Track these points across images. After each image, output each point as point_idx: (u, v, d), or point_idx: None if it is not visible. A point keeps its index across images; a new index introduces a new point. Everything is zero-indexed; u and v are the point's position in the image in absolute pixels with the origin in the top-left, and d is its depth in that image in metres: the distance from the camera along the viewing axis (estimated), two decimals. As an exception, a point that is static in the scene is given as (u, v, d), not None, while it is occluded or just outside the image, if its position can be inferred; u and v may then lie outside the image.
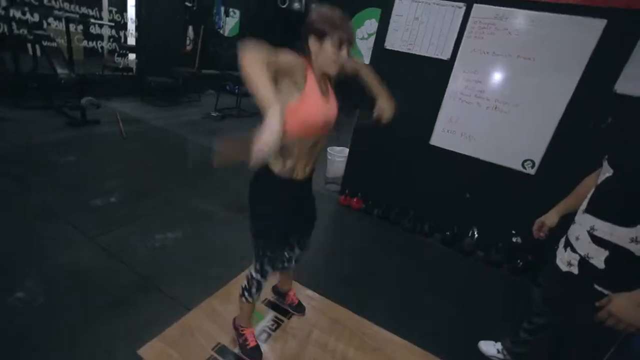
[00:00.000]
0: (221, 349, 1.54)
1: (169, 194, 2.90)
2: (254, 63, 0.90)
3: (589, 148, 1.70)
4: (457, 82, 2.65)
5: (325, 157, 3.57)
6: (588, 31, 2.18)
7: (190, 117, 5.26)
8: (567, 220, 1.34)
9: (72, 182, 2.77)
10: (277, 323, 1.76)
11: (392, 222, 3.07)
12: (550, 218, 1.47)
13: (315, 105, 1.15)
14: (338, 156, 3.50)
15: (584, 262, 1.15)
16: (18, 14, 4.26)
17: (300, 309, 1.85)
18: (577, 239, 1.19)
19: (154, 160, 3.59)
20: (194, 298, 1.81)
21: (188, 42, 6.92)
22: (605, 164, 1.16)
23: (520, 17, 2.35)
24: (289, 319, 1.80)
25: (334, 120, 1.26)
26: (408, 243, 2.85)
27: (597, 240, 1.11)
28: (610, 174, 1.12)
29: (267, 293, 1.91)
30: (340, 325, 1.81)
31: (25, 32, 4.25)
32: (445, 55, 2.63)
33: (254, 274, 1.41)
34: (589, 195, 1.20)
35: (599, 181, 1.17)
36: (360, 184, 3.25)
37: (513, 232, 2.69)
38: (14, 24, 4.20)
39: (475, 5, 2.46)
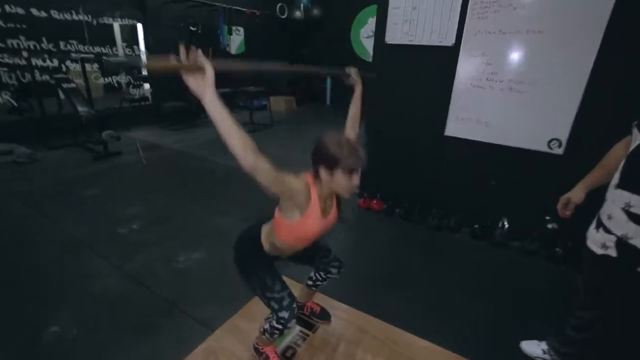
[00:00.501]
0: (247, 369, 1.51)
1: (189, 214, 2.95)
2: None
3: (620, 117, 1.54)
4: (465, 68, 2.53)
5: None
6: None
7: (207, 137, 5.37)
8: (598, 195, 1.21)
9: (98, 214, 2.87)
10: (303, 338, 1.71)
11: (416, 221, 2.96)
12: (577, 194, 1.34)
13: (314, 225, 1.19)
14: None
15: (622, 243, 1.03)
16: (39, 62, 4.54)
17: (325, 316, 1.79)
18: (609, 217, 1.07)
19: (173, 183, 3.68)
20: (218, 318, 1.79)
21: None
22: (635, 131, 1.04)
23: (525, -10, 2.21)
24: (314, 332, 1.75)
25: (330, 228, 1.29)
26: (435, 241, 2.73)
27: (636, 218, 0.98)
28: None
29: (290, 307, 1.86)
30: (369, 335, 1.73)
31: (47, 77, 4.52)
32: (449, 42, 2.52)
33: (273, 323, 1.32)
34: (619, 168, 1.08)
35: (630, 150, 1.04)
36: (378, 184, 3.16)
37: (547, 218, 2.50)
38: (36, 71, 4.48)
39: (474, -15, 2.35)
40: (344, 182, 1.10)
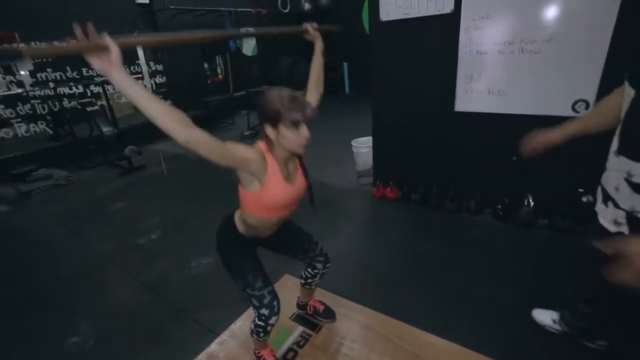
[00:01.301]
0: (247, 374, 1.50)
1: (205, 221, 3.00)
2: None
3: None
4: (468, 34, 2.30)
5: (351, 151, 3.40)
6: None
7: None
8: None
9: (121, 227, 3.03)
10: (305, 339, 1.66)
11: (433, 206, 2.78)
12: (555, 136, 1.19)
13: (277, 191, 1.13)
14: (363, 147, 3.30)
15: (632, 218, 0.86)
16: (66, 90, 4.88)
17: (329, 314, 1.73)
18: (617, 189, 0.89)
19: (192, 191, 3.78)
20: (224, 322, 1.80)
21: (220, 71, 7.36)
22: (627, 84, 0.85)
23: None
24: (317, 332, 1.69)
25: (301, 196, 1.23)
26: (454, 226, 2.55)
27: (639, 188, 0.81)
28: (633, 96, 0.82)
29: (293, 307, 1.82)
30: (373, 332, 1.65)
31: (75, 103, 4.85)
32: (448, 8, 2.31)
33: (257, 321, 1.31)
34: (617, 131, 0.89)
35: (624, 111, 0.86)
36: (391, 171, 3.01)
37: (580, 190, 2.23)
38: (64, 99, 4.82)
39: (468, -60, 2.11)
40: (291, 136, 1.05)
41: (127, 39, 0.86)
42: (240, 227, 1.28)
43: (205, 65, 6.95)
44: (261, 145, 1.12)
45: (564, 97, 2.12)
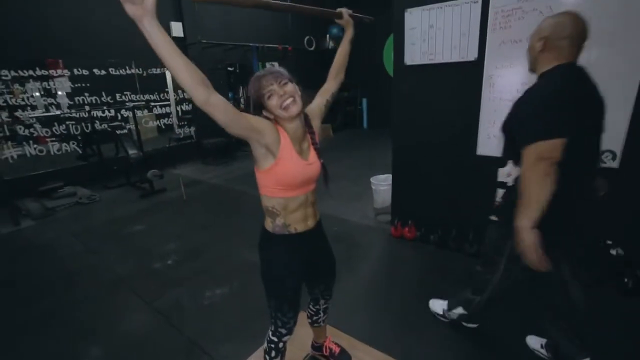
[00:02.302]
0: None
1: (221, 249, 3.02)
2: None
3: None
4: (492, 81, 2.35)
5: (369, 187, 3.41)
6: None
7: (245, 170, 5.60)
8: None
9: (138, 250, 3.06)
10: (318, 381, 1.59)
11: (452, 248, 2.72)
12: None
13: (291, 165, 1.12)
14: (382, 184, 3.31)
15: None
16: (99, 113, 5.16)
17: (344, 357, 1.67)
18: None
19: (210, 217, 3.82)
20: (235, 357, 1.76)
21: (242, 102, 7.67)
22: None
23: (551, -8, 2.03)
24: (332, 377, 1.62)
25: (316, 176, 1.21)
26: (473, 271, 2.46)
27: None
28: None
29: (307, 347, 1.77)
30: (391, 382, 1.57)
31: (106, 126, 5.10)
32: (472, 56, 2.38)
33: (270, 336, 1.34)
34: None
35: None
36: (410, 210, 2.99)
37: (609, 242, 2.15)
38: (96, 121, 5.09)
39: (492, -5, 2.22)
40: (272, 103, 1.08)
41: None
42: (269, 225, 1.22)
43: (230, 95, 7.26)
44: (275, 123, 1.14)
45: (590, 146, 2.10)
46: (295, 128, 1.14)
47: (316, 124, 1.27)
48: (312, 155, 1.19)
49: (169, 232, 3.40)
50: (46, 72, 4.63)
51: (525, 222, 1.18)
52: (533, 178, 1.17)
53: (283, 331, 1.31)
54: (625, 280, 2.05)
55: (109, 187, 4.88)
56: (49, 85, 4.70)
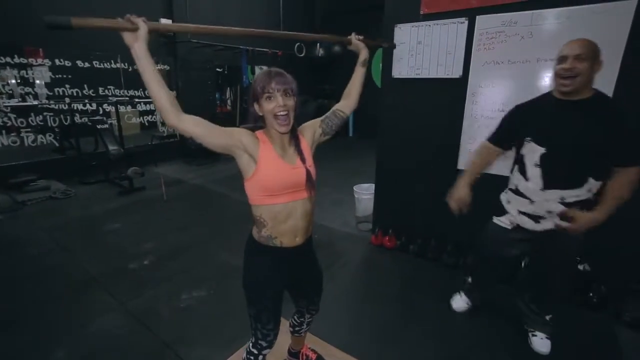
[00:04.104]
0: None
1: (200, 251, 2.97)
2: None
3: None
4: (474, 99, 2.45)
5: (351, 194, 3.45)
6: (615, 14, 1.90)
7: (227, 172, 5.53)
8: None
9: (114, 249, 2.97)
10: (293, 389, 1.59)
11: (430, 258, 2.78)
12: (465, 192, 1.84)
13: (273, 168, 1.12)
14: (365, 193, 3.35)
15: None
16: (80, 106, 5.00)
17: None
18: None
19: (189, 218, 3.76)
20: (210, 363, 1.73)
21: (229, 103, 7.61)
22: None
23: (533, 18, 2.15)
24: (307, 384, 1.62)
25: (306, 182, 1.18)
26: (450, 282, 2.52)
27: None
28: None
29: (284, 353, 1.76)
30: (366, 390, 1.58)
31: (86, 119, 4.94)
32: (457, 74, 2.47)
33: (249, 347, 1.32)
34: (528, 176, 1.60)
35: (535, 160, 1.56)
36: (391, 220, 3.04)
37: (578, 258, 2.26)
38: (76, 114, 4.93)
39: (478, 17, 2.32)
40: (267, 106, 1.09)
41: (159, 23, 1.08)
42: (256, 234, 1.22)
43: (217, 95, 7.20)
44: (257, 133, 1.16)
45: (562, 166, 2.21)
46: (280, 138, 1.16)
47: (307, 134, 1.29)
48: (299, 161, 1.19)
49: (146, 232, 3.32)
50: (25, 60, 4.46)
51: (604, 217, 1.44)
52: (630, 190, 1.42)
53: (263, 344, 1.29)
54: (591, 294, 2.15)
55: (86, 183, 4.72)
56: (27, 74, 4.52)
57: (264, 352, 1.32)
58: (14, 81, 4.44)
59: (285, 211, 1.16)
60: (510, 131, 1.70)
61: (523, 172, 1.64)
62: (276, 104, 1.08)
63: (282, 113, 1.09)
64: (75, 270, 2.63)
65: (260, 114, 1.13)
